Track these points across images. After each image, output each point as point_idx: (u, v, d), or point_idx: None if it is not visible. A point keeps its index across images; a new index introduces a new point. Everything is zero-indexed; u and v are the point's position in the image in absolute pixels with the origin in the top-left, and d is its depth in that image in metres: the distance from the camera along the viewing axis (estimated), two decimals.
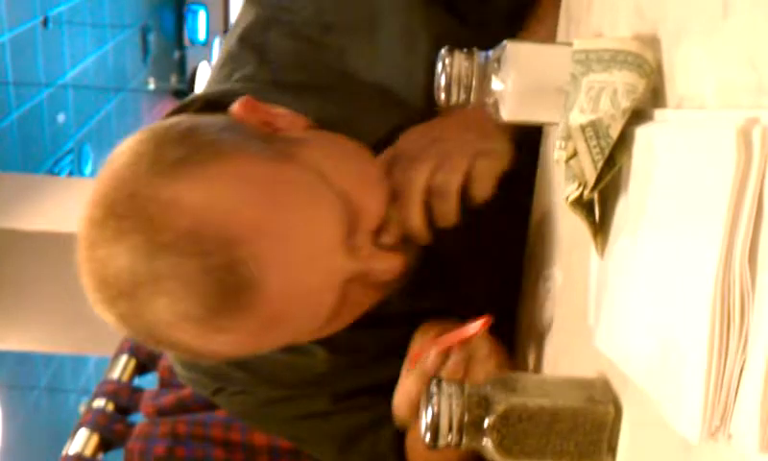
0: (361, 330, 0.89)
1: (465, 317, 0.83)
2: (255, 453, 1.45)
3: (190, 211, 0.72)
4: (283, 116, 0.84)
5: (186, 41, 5.36)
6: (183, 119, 0.81)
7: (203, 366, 1.06)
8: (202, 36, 5.24)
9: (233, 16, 4.88)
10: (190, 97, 0.96)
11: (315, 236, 0.77)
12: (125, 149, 0.77)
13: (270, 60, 0.96)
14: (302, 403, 1.08)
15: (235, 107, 0.83)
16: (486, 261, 1.00)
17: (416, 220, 0.85)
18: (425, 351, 0.85)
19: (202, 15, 5.29)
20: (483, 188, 0.86)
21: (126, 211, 0.73)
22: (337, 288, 0.79)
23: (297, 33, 0.96)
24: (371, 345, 1.00)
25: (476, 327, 0.80)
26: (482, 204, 0.87)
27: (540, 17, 0.97)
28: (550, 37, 0.90)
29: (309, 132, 0.85)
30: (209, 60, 4.91)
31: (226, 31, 4.87)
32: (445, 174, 0.86)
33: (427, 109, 0.90)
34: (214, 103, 0.90)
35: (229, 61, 1.00)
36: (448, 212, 0.86)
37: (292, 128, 0.84)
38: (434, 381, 0.65)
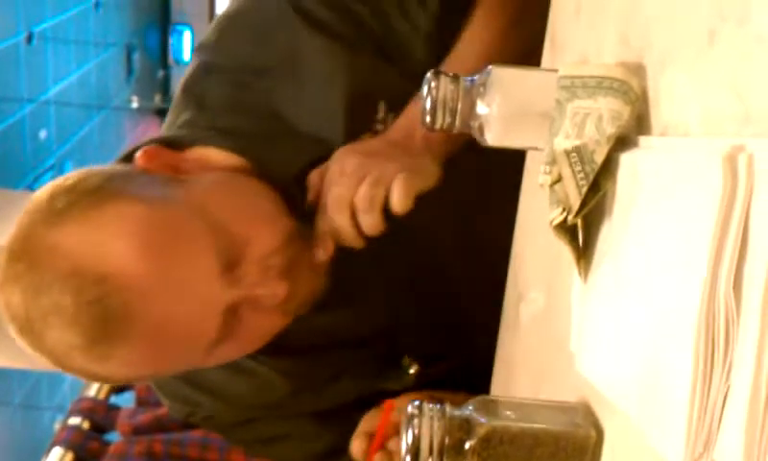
0: (310, 356, 0.97)
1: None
2: None
3: (68, 254, 0.83)
4: (191, 160, 0.95)
5: (171, 61, 5.36)
6: (80, 171, 0.92)
7: (172, 392, 1.16)
8: (186, 56, 5.24)
9: None
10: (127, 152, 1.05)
11: (185, 268, 0.86)
12: (34, 199, 0.89)
13: (208, 105, 1.04)
14: (269, 426, 1.14)
15: (138, 154, 0.94)
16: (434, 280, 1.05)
17: (342, 227, 0.91)
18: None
19: (187, 36, 5.29)
20: (399, 202, 0.89)
21: (21, 255, 0.85)
22: (217, 315, 0.88)
23: (231, 78, 1.03)
24: (323, 369, 1.06)
25: None
26: (400, 217, 0.90)
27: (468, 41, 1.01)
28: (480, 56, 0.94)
29: (213, 173, 0.95)
30: None
31: None
32: (369, 187, 0.90)
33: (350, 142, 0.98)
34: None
35: (174, 108, 1.08)
36: (373, 227, 0.91)
37: (198, 170, 0.94)
38: (415, 404, 0.65)
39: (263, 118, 1.02)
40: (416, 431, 0.63)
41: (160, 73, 5.37)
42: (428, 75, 0.71)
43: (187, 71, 1.09)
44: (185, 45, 5.25)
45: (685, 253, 0.44)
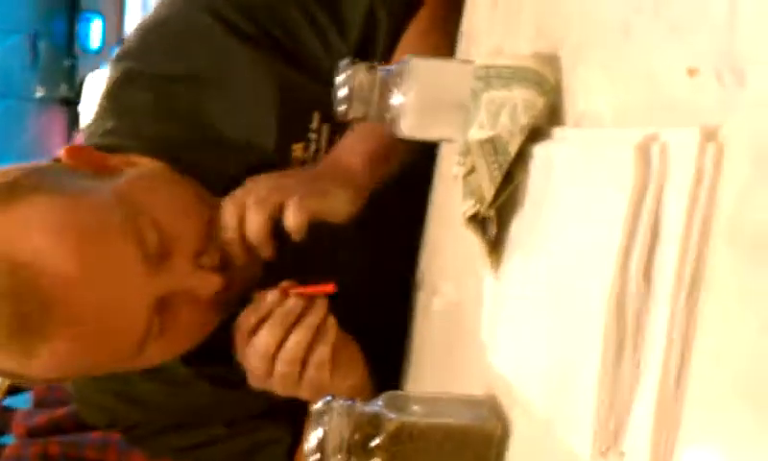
0: (235, 362, 0.92)
1: None
2: None
3: None
4: (117, 159, 0.93)
5: (78, 50, 5.21)
6: (15, 167, 0.90)
7: (94, 401, 1.12)
8: (95, 44, 5.10)
9: (129, 25, 4.79)
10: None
11: (105, 256, 0.83)
12: None
13: (132, 113, 1.02)
14: (198, 432, 1.11)
15: (61, 152, 0.92)
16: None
17: (225, 233, 0.89)
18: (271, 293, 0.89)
19: (96, 24, 5.15)
20: (289, 219, 0.88)
21: None
22: (145, 308, 0.85)
23: (155, 86, 1.02)
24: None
25: (325, 288, 0.88)
26: (297, 236, 0.89)
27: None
28: None
29: (136, 169, 0.93)
30: (102, 69, 4.77)
31: (120, 40, 4.76)
32: (259, 201, 0.89)
33: (279, 150, 0.98)
34: None
35: (97, 117, 1.05)
36: (254, 234, 0.89)
37: (118, 167, 0.92)
38: (324, 400, 0.64)
39: (190, 126, 1.00)
40: (324, 428, 0.62)
41: (67, 62, 5.22)
42: (343, 63, 0.70)
43: (109, 79, 1.07)
44: (94, 34, 5.10)
45: (597, 244, 0.43)
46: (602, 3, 0.49)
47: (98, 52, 5.04)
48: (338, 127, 0.99)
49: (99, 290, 0.83)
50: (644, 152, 0.40)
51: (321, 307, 0.89)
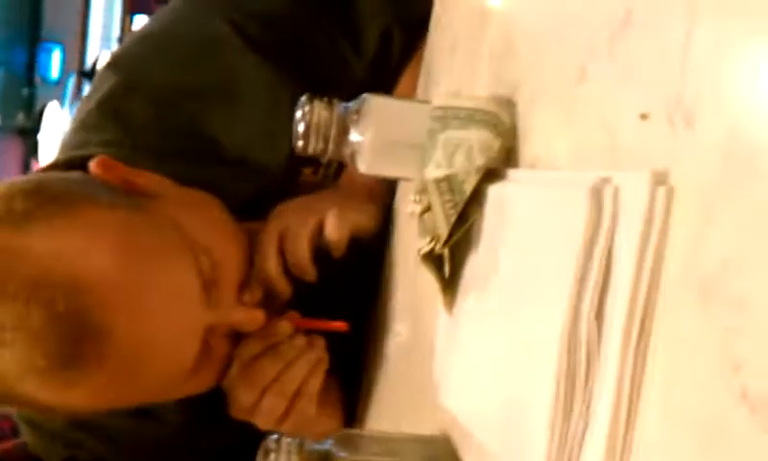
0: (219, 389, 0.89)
1: None
2: None
3: (36, 260, 0.72)
4: (143, 176, 0.85)
5: (37, 79, 5.17)
6: (34, 175, 0.83)
7: (52, 432, 1.02)
8: (55, 74, 5.07)
9: (90, 55, 4.76)
10: (45, 166, 0.96)
11: (168, 285, 0.77)
12: None
13: (130, 125, 0.97)
14: None
15: (92, 165, 0.83)
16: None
17: (271, 266, 0.86)
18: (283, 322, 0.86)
19: (56, 54, 5.12)
20: (330, 233, 0.87)
21: None
22: (198, 340, 0.79)
23: (155, 98, 0.97)
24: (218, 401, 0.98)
25: (338, 325, 0.86)
26: (338, 252, 0.87)
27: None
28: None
29: (172, 189, 0.86)
30: (60, 100, 4.74)
31: (81, 71, 4.73)
32: (299, 219, 0.88)
33: (288, 173, 0.94)
34: (75, 167, 0.89)
35: (87, 128, 0.99)
36: (299, 256, 0.87)
37: (149, 186, 0.84)
38: (272, 438, 0.63)
39: (193, 143, 0.96)
40: None
41: (25, 91, 5.17)
42: (302, 99, 0.70)
43: (101, 89, 1.01)
44: (54, 63, 5.07)
45: (549, 285, 0.44)
46: (558, 48, 0.50)
47: (57, 82, 5.01)
48: None
49: (158, 319, 0.76)
50: (597, 194, 0.40)
51: (321, 344, 0.87)
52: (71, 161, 0.92)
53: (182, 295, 0.78)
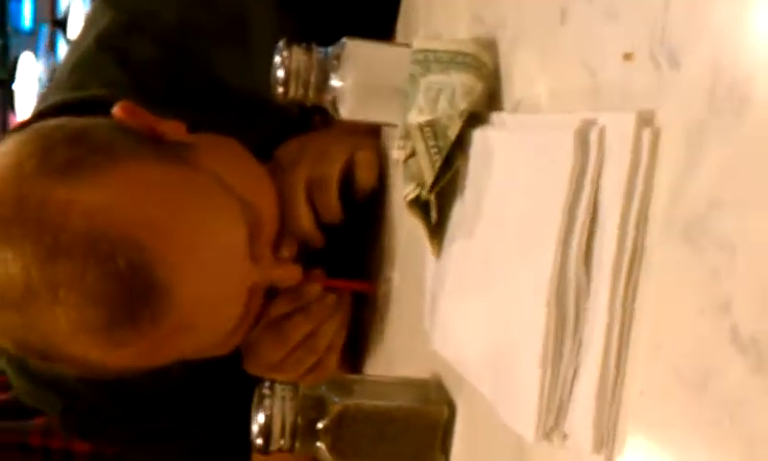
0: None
1: None
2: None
3: (88, 213, 0.68)
4: (166, 123, 0.81)
5: (9, 29, 5.07)
6: (69, 120, 0.76)
7: (48, 381, 0.97)
8: (27, 23, 4.97)
9: (62, 4, 4.67)
10: (45, 103, 0.91)
11: (221, 240, 0.75)
12: (3, 150, 0.72)
13: (132, 66, 0.91)
14: (152, 422, 1.02)
15: (116, 110, 0.79)
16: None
17: (304, 220, 0.85)
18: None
19: (27, 3, 5.02)
20: (366, 177, 0.86)
21: (13, 215, 0.68)
22: (244, 297, 0.77)
23: (160, 38, 0.92)
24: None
25: (366, 286, 0.86)
26: (367, 194, 0.86)
27: None
28: None
29: (195, 137, 0.82)
30: (35, 50, 4.66)
31: (54, 20, 4.64)
32: (323, 167, 0.85)
33: (301, 114, 0.89)
34: (73, 109, 0.84)
35: (84, 66, 0.94)
36: (330, 204, 0.85)
37: (174, 133, 0.80)
38: (266, 384, 0.63)
39: (198, 83, 0.92)
40: (267, 412, 0.62)
41: None
42: (280, 44, 0.69)
43: (98, 24, 0.94)
44: (26, 12, 4.97)
45: (536, 228, 0.44)
46: None
47: (30, 32, 4.92)
48: None
49: (213, 276, 0.74)
50: (582, 136, 0.40)
51: (348, 303, 0.87)
52: (70, 103, 0.88)
53: (234, 250, 0.76)
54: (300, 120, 0.91)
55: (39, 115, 0.86)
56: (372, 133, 0.89)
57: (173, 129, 0.80)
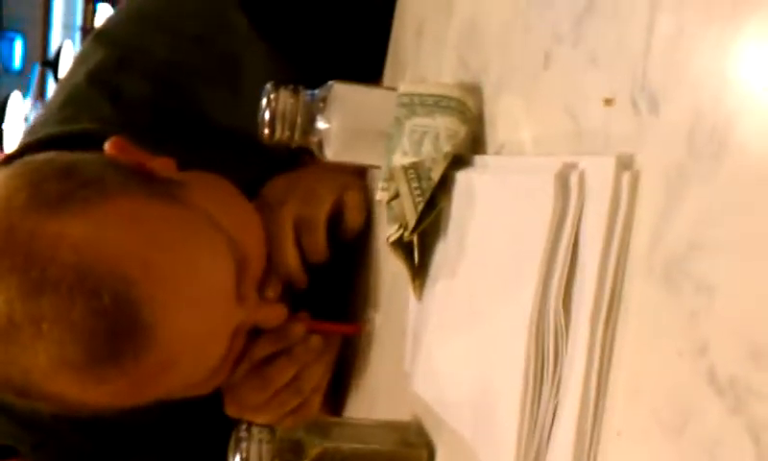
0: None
1: None
2: None
3: (77, 247, 0.67)
4: (154, 159, 0.80)
5: (0, 69, 5.09)
6: (58, 155, 0.76)
7: (24, 417, 0.95)
8: (17, 63, 4.99)
9: (53, 45, 4.70)
10: (33, 136, 0.90)
11: (209, 279, 0.75)
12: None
13: (123, 102, 0.91)
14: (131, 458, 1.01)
15: (107, 146, 0.78)
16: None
17: (291, 260, 0.84)
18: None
19: (18, 44, 5.05)
20: (354, 218, 0.86)
21: (1, 247, 0.67)
22: (228, 337, 0.76)
23: (151, 75, 0.92)
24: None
25: (353, 329, 0.85)
26: (354, 235, 0.86)
27: None
28: None
29: (185, 174, 0.81)
30: (23, 90, 4.67)
31: (44, 61, 4.66)
32: (311, 208, 0.85)
33: (290, 154, 0.86)
34: (62, 143, 0.84)
35: (75, 101, 0.94)
36: (317, 245, 0.85)
37: (165, 170, 0.80)
38: (243, 426, 0.63)
39: (189, 121, 0.92)
40: (243, 455, 0.61)
41: None
42: (267, 86, 0.70)
43: (88, 62, 0.95)
44: (16, 53, 5.00)
45: (517, 271, 0.44)
46: (523, 34, 0.50)
47: (20, 71, 4.94)
48: None
49: (198, 316, 0.73)
50: (562, 180, 0.40)
51: (336, 346, 0.85)
52: (60, 137, 0.87)
53: (221, 289, 0.75)
54: (289, 159, 0.90)
55: (27, 148, 0.86)
56: (360, 172, 0.89)
57: (163, 165, 0.80)
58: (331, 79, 0.70)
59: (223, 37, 0.93)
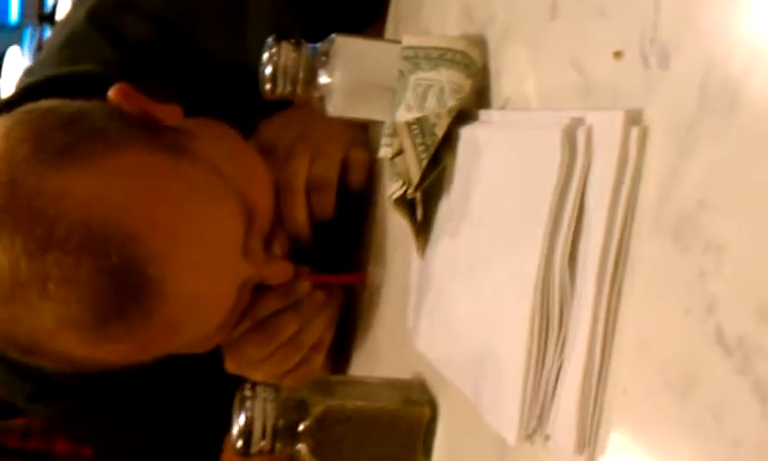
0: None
1: None
2: None
3: (83, 204, 0.66)
4: (160, 106, 0.78)
5: None
6: (62, 103, 0.74)
7: (18, 367, 0.92)
8: (14, 17, 4.95)
9: None
10: (32, 77, 0.88)
11: (217, 235, 0.73)
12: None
13: (126, 45, 0.89)
14: (127, 412, 1.01)
15: (112, 93, 0.75)
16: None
17: (301, 219, 0.83)
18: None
19: None
20: (358, 178, 0.85)
21: (4, 203, 0.65)
22: (235, 293, 0.75)
23: (154, 18, 0.90)
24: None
25: (356, 276, 0.84)
26: (357, 193, 0.85)
27: None
28: None
29: (192, 122, 0.79)
30: (21, 45, 4.63)
31: (41, 15, 4.61)
32: (323, 166, 0.83)
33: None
34: (62, 85, 0.82)
35: (75, 42, 0.91)
36: (327, 204, 0.84)
37: (171, 118, 0.78)
38: (247, 385, 0.63)
39: (191, 63, 0.89)
40: (248, 413, 0.61)
41: None
42: (269, 40, 0.69)
43: (85, 1, 0.93)
44: (13, 7, 4.95)
45: (522, 228, 0.43)
46: None
47: (16, 26, 4.90)
48: None
49: (207, 272, 0.72)
50: (570, 135, 0.39)
51: (338, 301, 0.84)
52: (60, 78, 0.86)
53: (229, 245, 0.73)
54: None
55: (26, 90, 0.84)
56: (362, 127, 0.88)
57: (170, 113, 0.77)
58: (335, 30, 0.69)
59: None
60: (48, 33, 4.37)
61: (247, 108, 0.87)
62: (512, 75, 0.50)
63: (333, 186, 0.84)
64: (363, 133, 0.88)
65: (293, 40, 0.69)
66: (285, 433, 0.61)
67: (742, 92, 0.30)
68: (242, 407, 0.61)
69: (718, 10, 0.32)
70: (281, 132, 0.87)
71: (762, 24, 0.30)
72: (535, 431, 0.41)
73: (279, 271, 0.79)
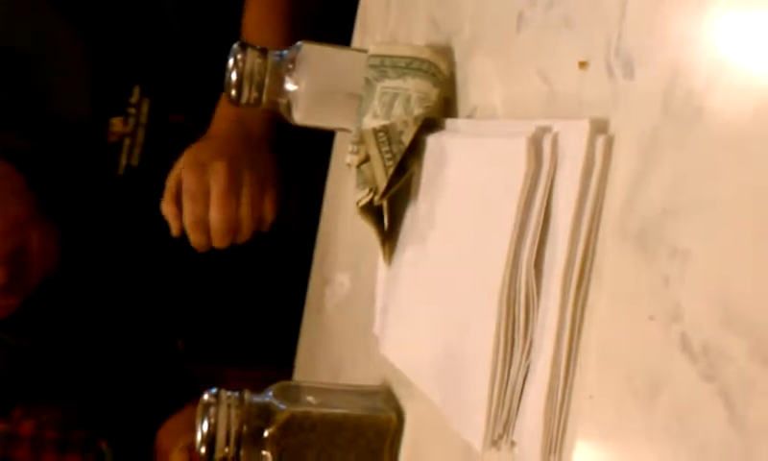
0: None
1: None
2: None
3: None
4: None
5: None
6: None
7: None
8: None
9: None
10: None
11: None
12: None
13: None
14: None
15: None
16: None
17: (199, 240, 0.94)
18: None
19: None
20: (271, 217, 0.93)
21: None
22: None
23: None
24: None
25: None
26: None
27: None
28: None
29: None
30: None
31: None
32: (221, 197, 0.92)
33: (96, 128, 1.01)
34: None
35: None
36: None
37: None
38: (211, 391, 0.62)
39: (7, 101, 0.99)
40: (211, 420, 0.60)
41: None
42: (234, 47, 0.68)
43: None
44: None
45: (488, 235, 0.43)
46: None
47: None
48: (160, 101, 0.99)
49: None
50: (535, 143, 0.40)
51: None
52: None
53: None
54: (96, 129, 0.99)
55: None
56: (267, 143, 0.95)
57: None
58: None
59: (33, 18, 0.98)
60: None
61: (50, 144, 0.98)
62: (478, 84, 0.51)
63: None
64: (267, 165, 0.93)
65: (258, 46, 0.69)
66: (249, 440, 0.60)
67: (706, 103, 0.31)
68: (205, 414, 0.61)
69: (683, 21, 0.33)
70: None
71: (726, 35, 0.30)
72: (501, 438, 0.41)
73: None
